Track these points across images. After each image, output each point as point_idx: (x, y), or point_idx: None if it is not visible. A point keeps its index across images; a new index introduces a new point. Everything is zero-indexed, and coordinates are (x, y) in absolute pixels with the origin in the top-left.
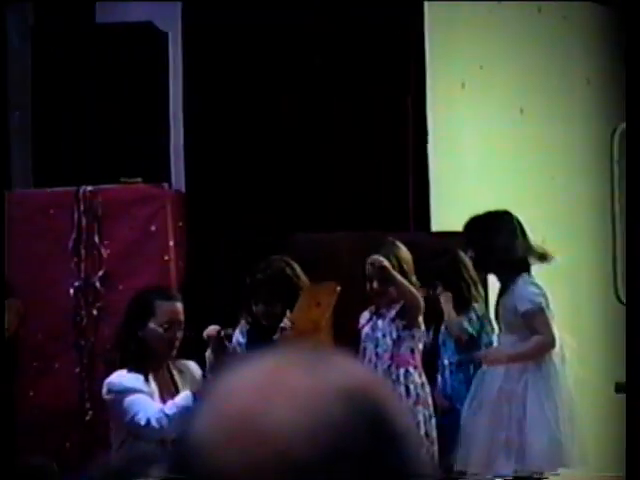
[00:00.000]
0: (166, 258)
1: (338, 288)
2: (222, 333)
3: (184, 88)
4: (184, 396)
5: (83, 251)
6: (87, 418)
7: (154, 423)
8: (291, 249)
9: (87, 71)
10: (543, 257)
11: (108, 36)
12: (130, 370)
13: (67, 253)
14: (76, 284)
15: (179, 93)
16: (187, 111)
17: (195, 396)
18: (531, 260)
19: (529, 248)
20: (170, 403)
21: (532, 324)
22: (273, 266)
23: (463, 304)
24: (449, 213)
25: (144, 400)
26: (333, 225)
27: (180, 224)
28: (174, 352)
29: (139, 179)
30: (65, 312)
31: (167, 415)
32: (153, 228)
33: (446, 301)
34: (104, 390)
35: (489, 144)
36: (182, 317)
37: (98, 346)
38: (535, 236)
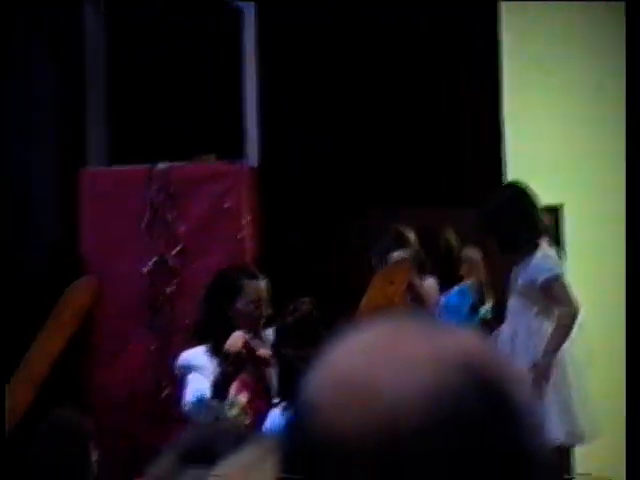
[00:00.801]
0: (239, 236)
1: (411, 266)
2: (244, 350)
3: (258, 65)
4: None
5: (157, 229)
6: (163, 396)
7: (186, 408)
8: (366, 224)
9: (161, 48)
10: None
11: (182, 12)
12: (208, 350)
13: (141, 231)
14: (150, 262)
15: (253, 70)
16: (261, 87)
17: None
18: (544, 233)
19: (542, 221)
20: (195, 387)
21: (551, 294)
22: (301, 309)
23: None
24: None
25: (197, 380)
26: (409, 203)
27: (254, 201)
28: (260, 330)
29: (213, 156)
30: (139, 291)
31: (191, 401)
32: (227, 205)
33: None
34: (176, 364)
35: (566, 123)
36: (267, 295)
37: (173, 324)
38: (618, 219)
